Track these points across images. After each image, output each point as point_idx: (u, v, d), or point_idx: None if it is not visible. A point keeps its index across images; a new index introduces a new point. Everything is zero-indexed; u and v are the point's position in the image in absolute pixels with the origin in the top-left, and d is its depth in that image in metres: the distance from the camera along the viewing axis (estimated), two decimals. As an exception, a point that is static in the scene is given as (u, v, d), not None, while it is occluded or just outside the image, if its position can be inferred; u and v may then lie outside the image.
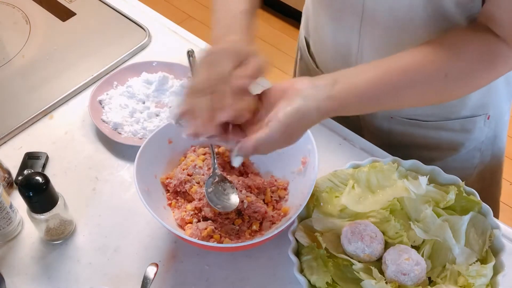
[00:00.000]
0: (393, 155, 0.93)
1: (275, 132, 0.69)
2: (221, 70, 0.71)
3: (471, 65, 0.76)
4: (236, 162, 0.71)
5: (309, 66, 1.10)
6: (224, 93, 0.71)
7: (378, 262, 0.81)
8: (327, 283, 0.77)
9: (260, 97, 0.73)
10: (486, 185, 1.10)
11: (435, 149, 1.03)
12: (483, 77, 0.79)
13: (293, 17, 2.62)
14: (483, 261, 0.80)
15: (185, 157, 0.92)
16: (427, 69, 0.75)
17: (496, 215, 1.09)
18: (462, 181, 0.86)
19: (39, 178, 0.80)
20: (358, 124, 1.08)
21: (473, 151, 1.05)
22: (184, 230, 0.84)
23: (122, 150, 1.00)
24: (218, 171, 0.87)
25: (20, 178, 0.94)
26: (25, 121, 1.03)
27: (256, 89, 0.72)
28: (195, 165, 0.88)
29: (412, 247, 0.80)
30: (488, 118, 1.00)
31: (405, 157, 0.90)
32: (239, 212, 0.86)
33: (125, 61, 1.15)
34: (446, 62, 0.75)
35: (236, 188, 0.86)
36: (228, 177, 0.88)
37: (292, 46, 2.51)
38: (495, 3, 0.75)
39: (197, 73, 0.75)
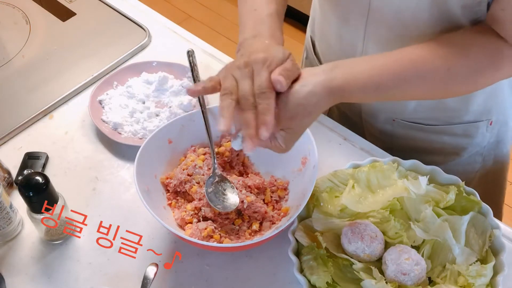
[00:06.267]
0: (395, 157, 0.93)
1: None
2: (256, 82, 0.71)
3: (475, 62, 0.77)
4: (237, 144, 0.71)
5: (314, 65, 1.10)
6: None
7: (378, 262, 0.81)
8: (327, 283, 0.77)
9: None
10: (489, 189, 1.10)
11: (437, 153, 1.03)
12: (487, 75, 0.79)
13: (294, 18, 2.62)
14: (483, 261, 0.80)
15: (185, 157, 0.92)
16: (431, 62, 0.76)
17: (499, 219, 1.09)
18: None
19: (39, 178, 0.80)
20: (361, 127, 1.08)
21: (475, 156, 1.05)
22: (184, 230, 0.84)
23: (122, 150, 1.00)
24: (218, 171, 0.87)
25: (20, 178, 0.94)
26: (25, 121, 1.03)
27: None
28: (195, 165, 0.88)
29: (412, 247, 0.80)
30: (490, 124, 1.00)
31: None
32: (239, 212, 0.86)
33: (125, 61, 1.15)
34: (450, 57, 0.76)
35: (236, 188, 0.86)
36: (228, 177, 0.88)
37: (294, 47, 2.52)
38: (500, 6, 0.76)
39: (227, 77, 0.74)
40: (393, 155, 0.96)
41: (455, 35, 0.79)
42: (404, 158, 0.90)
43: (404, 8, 0.82)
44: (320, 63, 1.07)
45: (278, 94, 0.72)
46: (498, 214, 1.13)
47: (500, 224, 0.84)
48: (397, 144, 1.04)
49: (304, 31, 1.16)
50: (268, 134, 0.68)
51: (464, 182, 0.85)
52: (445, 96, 0.88)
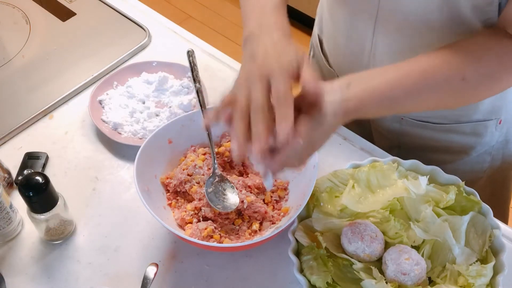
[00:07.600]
0: (402, 157, 0.92)
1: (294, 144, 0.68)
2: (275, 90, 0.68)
3: (490, 69, 0.75)
4: (269, 182, 0.71)
5: (320, 63, 1.10)
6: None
7: (378, 262, 0.81)
8: (327, 283, 0.77)
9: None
10: (497, 189, 1.09)
11: (445, 152, 1.03)
12: (502, 81, 0.78)
13: (295, 18, 2.62)
14: (483, 261, 0.80)
15: (185, 157, 0.92)
16: (445, 72, 0.74)
17: (505, 220, 1.09)
18: (472, 185, 0.85)
19: (39, 178, 0.80)
20: (368, 125, 1.08)
21: (483, 155, 1.04)
22: (184, 230, 0.84)
23: (122, 150, 1.00)
24: (218, 171, 0.87)
25: (20, 178, 0.94)
26: (25, 121, 1.03)
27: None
28: (195, 165, 0.88)
29: (412, 247, 0.80)
30: (500, 123, 0.99)
31: (415, 159, 0.89)
32: (239, 212, 0.86)
33: (125, 61, 1.15)
34: (464, 66, 0.75)
35: (236, 188, 0.86)
36: (228, 177, 0.88)
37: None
38: None
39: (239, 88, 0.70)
40: (401, 153, 0.95)
41: (468, 42, 0.77)
42: (412, 157, 0.90)
43: (413, 8, 0.82)
44: (327, 61, 1.07)
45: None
46: (504, 216, 1.13)
47: (500, 224, 0.84)
48: (405, 142, 1.04)
49: (304, 31, 1.16)
50: (285, 138, 0.64)
51: (472, 181, 0.85)
52: (462, 104, 0.87)
